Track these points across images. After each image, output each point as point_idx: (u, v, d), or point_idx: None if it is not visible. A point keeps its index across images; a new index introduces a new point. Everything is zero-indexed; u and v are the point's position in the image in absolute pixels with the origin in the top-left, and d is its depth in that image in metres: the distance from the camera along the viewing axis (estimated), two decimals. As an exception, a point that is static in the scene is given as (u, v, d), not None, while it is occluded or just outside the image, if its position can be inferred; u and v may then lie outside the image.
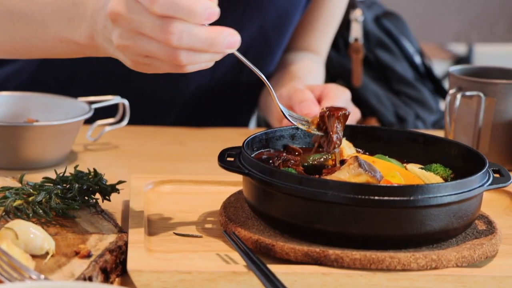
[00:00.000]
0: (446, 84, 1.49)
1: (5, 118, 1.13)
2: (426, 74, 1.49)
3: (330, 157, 0.97)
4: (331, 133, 0.98)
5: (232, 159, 0.93)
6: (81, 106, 1.14)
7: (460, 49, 2.86)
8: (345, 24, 1.43)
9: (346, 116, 1.00)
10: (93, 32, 0.93)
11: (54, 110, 1.14)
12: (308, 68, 1.30)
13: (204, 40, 0.86)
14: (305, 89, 1.18)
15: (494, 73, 1.15)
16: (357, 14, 1.41)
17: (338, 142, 0.99)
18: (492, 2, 1.89)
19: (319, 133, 1.01)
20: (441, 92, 1.50)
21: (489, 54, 3.47)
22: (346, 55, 1.41)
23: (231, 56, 1.28)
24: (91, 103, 1.15)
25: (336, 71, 1.40)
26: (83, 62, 1.26)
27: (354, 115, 1.18)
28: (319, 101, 1.17)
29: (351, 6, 1.43)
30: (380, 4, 1.53)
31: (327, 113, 0.99)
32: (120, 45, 0.87)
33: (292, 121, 1.02)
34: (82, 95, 1.20)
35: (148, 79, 1.28)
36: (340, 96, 1.16)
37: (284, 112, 1.01)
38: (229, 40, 0.89)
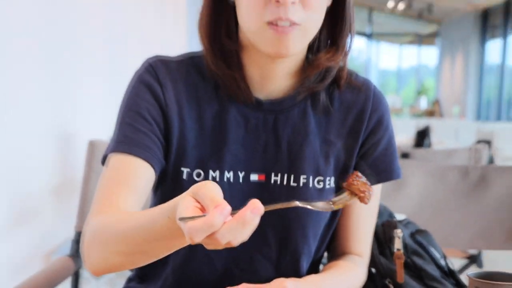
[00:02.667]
0: (462, 277, 1.49)
1: None
2: (449, 273, 1.48)
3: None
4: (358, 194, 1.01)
5: None
6: None
7: (473, 250, 2.83)
8: (390, 239, 1.45)
9: (356, 175, 1.03)
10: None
11: None
12: (329, 274, 1.28)
13: (238, 227, 0.82)
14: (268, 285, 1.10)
15: (501, 276, 1.12)
16: (398, 232, 1.42)
17: (366, 193, 1.01)
18: (490, 217, 1.89)
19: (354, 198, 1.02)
20: (461, 286, 1.49)
21: (497, 255, 3.43)
22: (391, 261, 1.41)
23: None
24: None
25: (385, 272, 1.41)
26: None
27: None
28: None
29: (393, 227, 1.45)
30: (413, 223, 1.55)
31: (344, 185, 1.03)
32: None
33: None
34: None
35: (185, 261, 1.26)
36: None
37: None
38: (254, 212, 0.84)
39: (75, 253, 1.88)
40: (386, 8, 20.76)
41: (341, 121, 1.30)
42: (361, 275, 1.33)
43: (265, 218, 1.24)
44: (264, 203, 1.23)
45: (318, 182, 1.26)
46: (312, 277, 1.22)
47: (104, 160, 1.23)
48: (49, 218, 3.20)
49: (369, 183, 1.04)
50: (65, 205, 3.35)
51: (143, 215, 1.02)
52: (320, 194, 1.26)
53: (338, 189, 1.28)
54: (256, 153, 1.26)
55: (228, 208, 0.83)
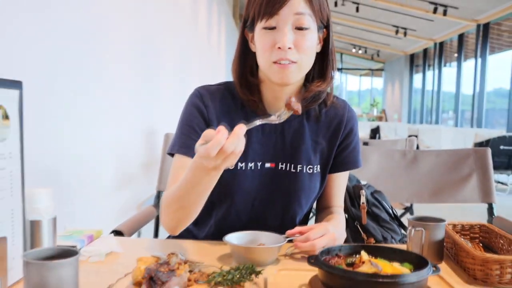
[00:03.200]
0: (403, 220, 1.46)
1: (245, 243, 1.06)
2: (394, 217, 1.46)
3: (358, 258, 0.93)
4: (295, 110, 0.98)
5: (313, 260, 0.89)
6: (278, 237, 1.07)
7: (407, 203, 2.80)
8: (358, 196, 1.42)
9: (291, 99, 0.99)
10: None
11: (270, 239, 1.07)
12: (337, 218, 1.22)
13: (235, 139, 0.84)
14: (318, 227, 1.08)
15: (428, 219, 1.11)
16: (363, 192, 1.41)
17: (298, 108, 0.99)
18: (419, 183, 1.85)
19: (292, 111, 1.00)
20: (402, 226, 1.46)
21: (422, 206, 3.41)
22: (359, 210, 1.39)
23: (267, 185, 1.21)
24: (286, 237, 1.07)
25: (355, 217, 1.39)
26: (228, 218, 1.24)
27: (339, 240, 1.12)
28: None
29: (359, 188, 1.42)
30: (372, 186, 1.52)
31: (285, 106, 0.99)
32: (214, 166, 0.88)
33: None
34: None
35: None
36: (321, 232, 1.07)
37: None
38: (241, 128, 0.86)
39: (156, 204, 1.87)
40: (351, 52, 20.67)
41: (326, 128, 1.27)
42: (344, 218, 1.31)
43: (276, 195, 1.23)
44: (274, 183, 1.22)
45: (309, 169, 1.23)
46: (332, 221, 1.20)
47: (169, 153, 1.22)
48: (140, 182, 3.20)
49: (299, 103, 1.03)
50: (150, 174, 3.35)
51: (182, 177, 1.02)
52: (310, 177, 1.23)
53: (324, 174, 1.27)
54: (269, 149, 1.22)
55: (225, 130, 0.85)
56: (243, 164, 1.20)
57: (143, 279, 0.80)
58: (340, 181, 1.31)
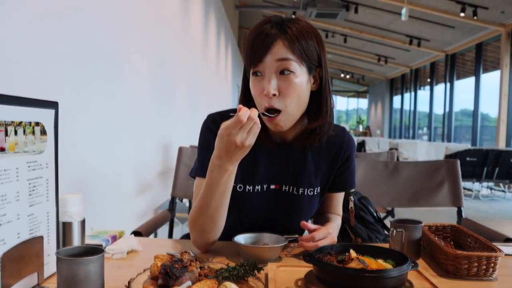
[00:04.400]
0: (386, 222, 1.46)
1: (251, 243, 1.05)
2: (378, 220, 1.45)
3: (347, 256, 0.92)
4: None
5: (308, 258, 0.87)
6: (280, 237, 1.06)
7: (389, 208, 2.78)
8: (347, 202, 1.40)
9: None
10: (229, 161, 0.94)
11: (273, 239, 1.07)
12: (332, 224, 1.17)
13: (251, 122, 0.88)
14: (322, 230, 1.06)
15: (407, 221, 1.10)
16: (351, 197, 1.39)
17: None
18: (399, 189, 1.83)
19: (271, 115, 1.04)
20: (385, 227, 1.45)
21: (402, 210, 3.38)
22: (348, 214, 1.37)
23: (270, 205, 1.16)
24: (287, 237, 1.06)
25: (344, 220, 1.37)
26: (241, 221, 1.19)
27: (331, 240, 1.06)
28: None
29: (348, 195, 1.41)
30: (360, 192, 1.51)
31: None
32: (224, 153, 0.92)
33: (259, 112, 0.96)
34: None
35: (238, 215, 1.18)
36: (323, 234, 1.05)
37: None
38: (254, 112, 0.89)
39: (171, 208, 1.86)
40: (340, 77, 20.76)
41: (327, 154, 1.21)
42: (340, 224, 1.26)
43: (279, 214, 1.19)
44: (278, 202, 1.18)
45: (310, 191, 1.18)
46: (329, 225, 1.15)
47: (191, 175, 1.19)
48: (157, 189, 3.19)
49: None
50: (165, 182, 3.34)
51: (202, 187, 1.00)
52: (311, 198, 1.19)
53: (322, 193, 1.23)
54: (274, 174, 1.17)
55: (247, 109, 0.87)
56: (251, 187, 1.16)
57: (160, 274, 0.79)
58: (337, 197, 1.28)
